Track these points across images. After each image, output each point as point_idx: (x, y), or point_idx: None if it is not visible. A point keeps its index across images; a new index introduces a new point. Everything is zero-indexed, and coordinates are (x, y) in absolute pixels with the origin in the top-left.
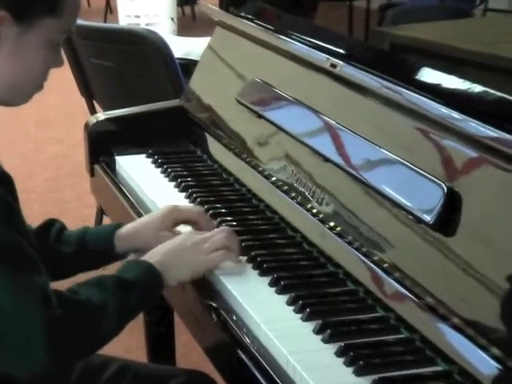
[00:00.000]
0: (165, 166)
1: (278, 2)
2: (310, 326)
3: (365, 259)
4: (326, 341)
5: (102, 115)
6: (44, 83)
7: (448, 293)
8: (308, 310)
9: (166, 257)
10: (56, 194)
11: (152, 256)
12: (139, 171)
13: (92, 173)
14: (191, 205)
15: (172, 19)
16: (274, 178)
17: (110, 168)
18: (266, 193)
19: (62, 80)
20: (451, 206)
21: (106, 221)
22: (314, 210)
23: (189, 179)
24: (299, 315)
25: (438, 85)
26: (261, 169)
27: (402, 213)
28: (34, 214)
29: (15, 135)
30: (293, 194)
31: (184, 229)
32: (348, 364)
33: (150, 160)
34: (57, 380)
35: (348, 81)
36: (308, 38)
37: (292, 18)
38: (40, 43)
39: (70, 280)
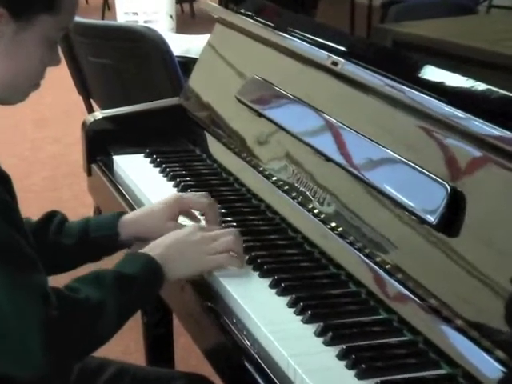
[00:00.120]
0: (163, 166)
1: None
2: (311, 329)
3: (367, 260)
4: (327, 343)
5: (99, 114)
6: (41, 81)
7: (452, 294)
8: (309, 312)
9: (167, 250)
10: (53, 194)
11: (153, 248)
12: (137, 171)
13: (89, 172)
14: (198, 194)
15: (171, 16)
16: (274, 178)
17: (108, 167)
18: (266, 193)
19: (58, 78)
20: (455, 207)
21: None
22: (316, 211)
23: (188, 179)
24: (300, 317)
25: (442, 83)
26: (261, 168)
27: (405, 213)
28: (30, 213)
29: (12, 134)
30: (294, 194)
31: (190, 222)
32: (350, 367)
33: (149, 159)
34: (56, 380)
35: (349, 79)
36: (309, 35)
37: (292, 14)
38: (37, 41)
39: (70, 274)
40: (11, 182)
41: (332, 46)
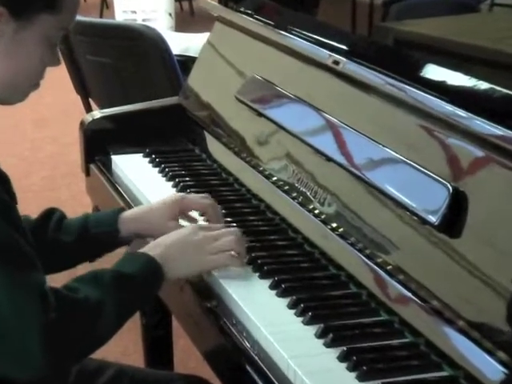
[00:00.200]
0: (162, 166)
1: None
2: (311, 330)
3: (368, 261)
4: (328, 345)
5: (97, 113)
6: (40, 82)
7: (453, 296)
8: (309, 313)
9: (168, 249)
10: (51, 194)
11: (153, 247)
12: (136, 171)
13: (87, 172)
14: (199, 195)
15: (170, 14)
16: (274, 178)
17: (106, 167)
18: (266, 193)
19: (57, 78)
20: (457, 207)
21: None
22: (316, 211)
23: (187, 179)
24: (300, 319)
25: (444, 82)
26: (261, 168)
27: (407, 213)
28: (28, 213)
29: (11, 134)
30: (294, 194)
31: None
32: (351, 369)
33: (147, 159)
34: (55, 382)
35: (351, 78)
36: (310, 34)
37: (293, 12)
38: (37, 40)
39: (69, 274)
40: (10, 182)
41: (333, 45)
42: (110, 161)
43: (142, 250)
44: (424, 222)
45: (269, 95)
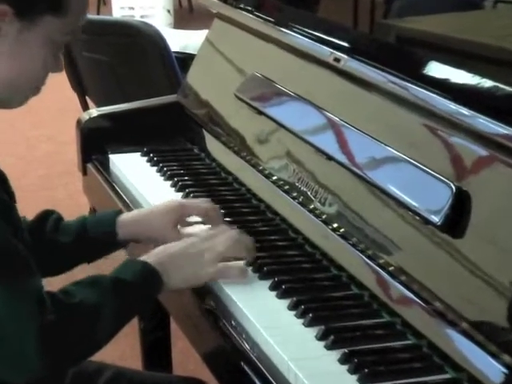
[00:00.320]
0: (161, 165)
1: None
2: (312, 332)
3: (370, 262)
4: (329, 347)
5: (94, 111)
6: (41, 87)
7: (456, 297)
8: (310, 315)
9: (169, 259)
10: (48, 193)
11: (154, 255)
12: (134, 170)
13: (84, 171)
14: (198, 199)
15: (168, 11)
16: (274, 177)
17: (104, 167)
18: (266, 192)
19: (53, 75)
20: (460, 207)
21: None
22: (317, 211)
23: (186, 178)
24: (301, 320)
25: (446, 80)
26: (261, 167)
27: (409, 213)
28: (24, 213)
29: (7, 133)
30: (294, 194)
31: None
32: (352, 371)
33: (146, 158)
34: None
35: (352, 75)
36: (310, 31)
37: (293, 9)
38: (41, 42)
39: (67, 278)
40: (8, 181)
41: (334, 42)
42: (107, 160)
43: (142, 258)
44: (426, 222)
45: (269, 93)
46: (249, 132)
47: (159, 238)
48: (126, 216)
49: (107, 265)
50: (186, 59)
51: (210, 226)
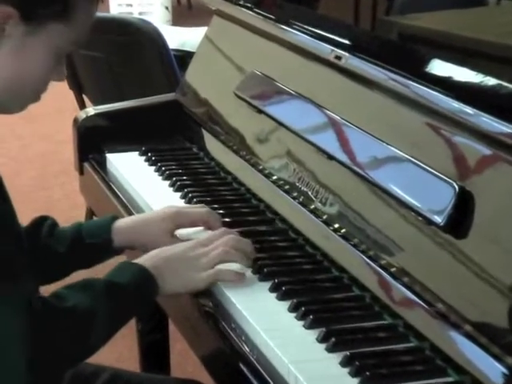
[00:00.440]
0: (159, 164)
1: None
2: (313, 334)
3: (371, 263)
4: (330, 350)
5: (91, 110)
6: (42, 94)
7: (460, 299)
8: (311, 317)
9: (164, 262)
10: (44, 193)
11: (149, 258)
12: (131, 169)
13: (81, 171)
14: (194, 206)
15: (166, 8)
16: (274, 177)
17: (101, 166)
18: (266, 192)
19: None
20: (463, 207)
21: None
22: (318, 211)
23: (184, 178)
24: (302, 322)
25: (449, 77)
26: (261, 167)
27: (411, 214)
28: (20, 213)
29: (0, 131)
30: (295, 194)
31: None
32: (353, 374)
33: (143, 158)
34: None
35: (353, 73)
36: (311, 28)
37: (294, 6)
38: (45, 48)
39: (62, 280)
40: (2, 182)
41: (335, 40)
42: (104, 159)
43: (137, 261)
44: (429, 222)
45: (269, 91)
46: (248, 131)
47: (155, 245)
48: (121, 223)
49: (102, 268)
50: (184, 57)
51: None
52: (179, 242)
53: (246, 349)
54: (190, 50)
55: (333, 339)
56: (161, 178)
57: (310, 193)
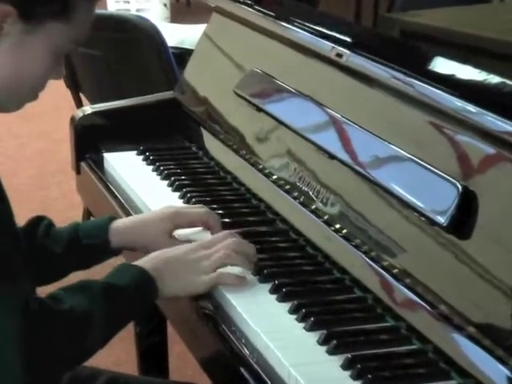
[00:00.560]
0: (157, 164)
1: None
2: (314, 337)
3: (373, 264)
4: (331, 352)
5: (89, 108)
6: (39, 92)
7: (463, 300)
8: (312, 318)
9: (164, 264)
10: (41, 192)
11: (149, 260)
12: (129, 169)
13: (78, 170)
14: (193, 206)
15: (165, 5)
16: (275, 177)
17: (98, 166)
18: (266, 192)
19: None
20: (466, 207)
21: None
22: (319, 211)
23: (183, 178)
24: (302, 324)
25: (453, 75)
26: (261, 166)
27: (414, 214)
28: (17, 213)
29: None
30: (295, 194)
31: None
32: (355, 377)
33: (141, 157)
34: None
35: (355, 71)
36: (312, 25)
37: (294, 3)
38: (44, 47)
39: (60, 282)
40: (0, 182)
41: (336, 37)
42: (101, 159)
43: (136, 262)
44: (432, 222)
45: (269, 89)
46: (248, 130)
47: (154, 246)
48: (119, 223)
49: (100, 269)
50: (183, 54)
51: (208, 232)
52: (178, 242)
53: (246, 351)
54: (188, 48)
55: (334, 341)
56: (159, 177)
57: (311, 193)
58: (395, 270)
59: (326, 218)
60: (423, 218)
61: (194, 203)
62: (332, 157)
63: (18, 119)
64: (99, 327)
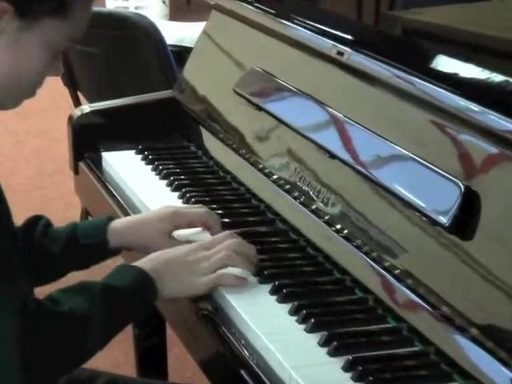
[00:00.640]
0: (156, 163)
1: None
2: (314, 338)
3: (374, 265)
4: (332, 354)
5: (87, 107)
6: (37, 90)
7: (465, 301)
8: (312, 320)
9: (164, 265)
10: (38, 192)
11: (148, 261)
12: (128, 169)
13: (76, 170)
14: (192, 206)
15: (164, 2)
16: (275, 176)
17: (96, 165)
18: (266, 192)
19: None
20: (469, 207)
21: None
22: (319, 211)
23: (182, 177)
24: (303, 326)
25: (455, 74)
26: (261, 166)
27: (416, 214)
28: (15, 213)
29: None
30: (296, 194)
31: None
32: (356, 379)
33: (140, 156)
34: None
35: (356, 70)
36: (312, 23)
37: (295, 0)
38: (41, 44)
39: (58, 282)
40: None
41: (337, 35)
42: (100, 158)
43: (136, 263)
44: (434, 223)
45: (269, 88)
46: (248, 129)
47: (152, 246)
48: (117, 223)
49: (99, 270)
50: (182, 53)
51: (207, 232)
52: (177, 242)
53: (246, 353)
54: (187, 46)
55: (335, 343)
56: (158, 177)
57: (311, 192)
58: (397, 271)
59: (326, 218)
60: (425, 219)
61: (194, 203)
62: (333, 156)
63: (15, 116)
64: (98, 329)
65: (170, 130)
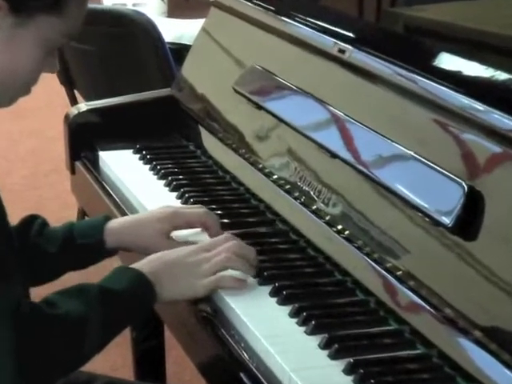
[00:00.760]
0: (154, 163)
1: None
2: (315, 340)
3: (376, 266)
4: (332, 357)
5: (83, 106)
6: (32, 87)
7: (469, 303)
8: (313, 322)
9: (163, 267)
10: (34, 192)
11: (147, 263)
12: (125, 168)
13: (73, 170)
14: (191, 207)
15: None
16: (275, 176)
17: (93, 165)
18: (266, 192)
19: None
20: (472, 207)
21: None
22: (320, 212)
23: (180, 177)
24: (303, 328)
25: (458, 72)
26: (261, 166)
27: (418, 215)
28: (11, 214)
29: None
30: (296, 194)
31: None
32: (357, 382)
33: (138, 156)
34: None
35: (358, 67)
36: (313, 20)
37: None
38: (36, 40)
39: (56, 285)
40: None
41: (338, 32)
42: (97, 157)
43: (134, 265)
44: (437, 223)
45: (269, 86)
46: (248, 128)
47: (150, 247)
48: (114, 223)
49: (97, 271)
50: (180, 50)
51: (207, 233)
52: (175, 243)
53: (246, 356)
54: (186, 43)
55: (336, 346)
56: (156, 177)
57: (312, 193)
58: (398, 272)
59: (327, 218)
60: (428, 219)
61: (192, 203)
62: (334, 156)
63: (9, 115)
64: (95, 332)
65: (168, 129)
